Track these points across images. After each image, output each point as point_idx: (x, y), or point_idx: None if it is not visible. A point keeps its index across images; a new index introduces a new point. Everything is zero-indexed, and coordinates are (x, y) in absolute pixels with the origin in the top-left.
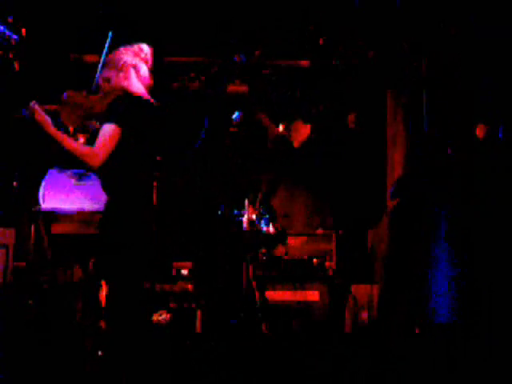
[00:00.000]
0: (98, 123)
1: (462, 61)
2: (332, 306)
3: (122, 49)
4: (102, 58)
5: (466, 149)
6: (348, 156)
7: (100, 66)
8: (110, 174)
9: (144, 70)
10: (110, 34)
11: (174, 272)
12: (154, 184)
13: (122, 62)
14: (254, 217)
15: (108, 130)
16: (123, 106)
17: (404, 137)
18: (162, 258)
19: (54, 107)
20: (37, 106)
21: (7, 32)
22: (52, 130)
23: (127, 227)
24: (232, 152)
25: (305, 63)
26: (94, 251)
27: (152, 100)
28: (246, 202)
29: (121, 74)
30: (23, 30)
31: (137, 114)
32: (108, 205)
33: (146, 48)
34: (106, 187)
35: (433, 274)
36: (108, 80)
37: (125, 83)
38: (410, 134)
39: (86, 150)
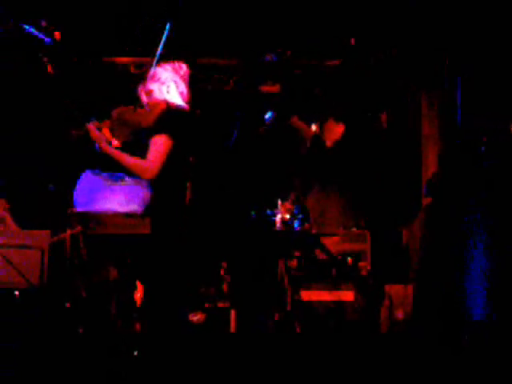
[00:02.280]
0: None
1: (498, 57)
2: (366, 306)
3: (163, 64)
4: (159, 50)
5: (501, 146)
6: (382, 155)
7: (155, 61)
8: (158, 180)
9: (183, 87)
10: (168, 26)
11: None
12: (188, 185)
13: (163, 77)
14: (287, 217)
15: (160, 143)
16: (171, 118)
17: (438, 135)
18: (197, 260)
19: (106, 124)
20: (92, 126)
21: (40, 35)
22: (107, 147)
23: (171, 229)
24: (265, 152)
25: (336, 62)
26: (129, 252)
27: (192, 110)
28: (279, 202)
29: (163, 88)
30: (56, 34)
31: (183, 124)
32: (153, 207)
33: (185, 67)
34: (154, 191)
35: (468, 272)
36: (149, 93)
37: (167, 96)
38: (444, 132)
39: (141, 163)
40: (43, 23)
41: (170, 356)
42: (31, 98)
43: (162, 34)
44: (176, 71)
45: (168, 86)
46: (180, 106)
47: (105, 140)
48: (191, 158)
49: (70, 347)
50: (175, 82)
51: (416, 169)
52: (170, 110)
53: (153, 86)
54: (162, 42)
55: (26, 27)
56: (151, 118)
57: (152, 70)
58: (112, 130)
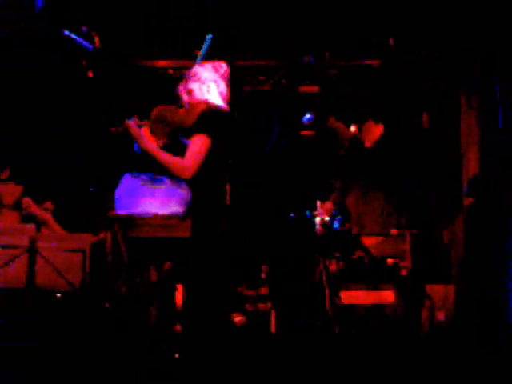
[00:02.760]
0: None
1: None
2: (407, 307)
3: (203, 63)
4: (200, 59)
5: None
6: (422, 155)
7: (197, 64)
8: (197, 180)
9: (223, 86)
10: (209, 36)
11: (259, 275)
12: (228, 187)
13: (204, 76)
14: (326, 218)
15: (199, 142)
16: (211, 118)
17: (478, 135)
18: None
19: (146, 123)
20: (131, 122)
21: (81, 42)
22: (146, 144)
23: (211, 231)
24: (304, 153)
25: (375, 62)
26: (169, 254)
27: (231, 111)
28: (319, 203)
29: (203, 87)
30: (96, 39)
31: (222, 124)
32: (193, 209)
33: (225, 66)
34: (193, 193)
35: (509, 272)
36: (190, 93)
37: (207, 96)
38: (484, 132)
39: (179, 162)
40: (84, 29)
41: (211, 357)
42: (73, 102)
43: (204, 44)
44: (216, 70)
45: (208, 85)
46: (220, 106)
47: (144, 137)
48: (230, 160)
49: (110, 348)
50: (215, 81)
51: (456, 169)
52: (210, 110)
53: (193, 86)
54: (203, 53)
55: (68, 33)
56: (191, 118)
57: (192, 70)
58: (152, 130)
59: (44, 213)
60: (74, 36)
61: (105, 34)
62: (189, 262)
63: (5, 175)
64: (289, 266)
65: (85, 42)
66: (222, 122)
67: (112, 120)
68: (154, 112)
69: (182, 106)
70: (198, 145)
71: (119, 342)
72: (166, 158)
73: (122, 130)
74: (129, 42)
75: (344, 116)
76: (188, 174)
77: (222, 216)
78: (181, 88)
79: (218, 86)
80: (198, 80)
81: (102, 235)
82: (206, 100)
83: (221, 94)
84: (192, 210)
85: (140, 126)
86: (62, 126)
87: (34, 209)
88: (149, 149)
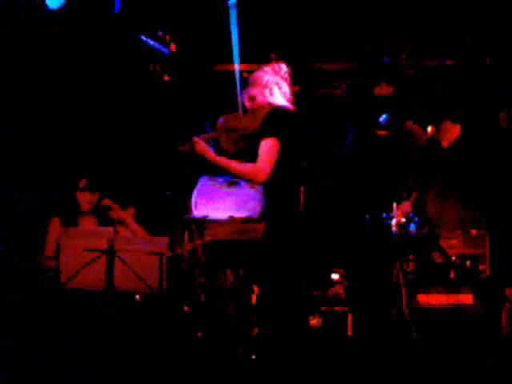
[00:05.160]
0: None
1: None
2: (487, 310)
3: (262, 67)
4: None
5: None
6: (500, 154)
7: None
8: (270, 183)
9: (285, 87)
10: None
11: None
12: (301, 190)
13: (264, 80)
14: (403, 220)
15: (269, 145)
16: (276, 120)
17: None
18: (314, 263)
19: (212, 135)
20: (197, 139)
21: (158, 46)
22: (214, 157)
23: (286, 233)
24: (380, 154)
25: (450, 62)
26: (245, 256)
27: (297, 111)
28: (395, 205)
29: (265, 91)
30: (172, 45)
31: (289, 125)
32: (266, 212)
33: (284, 67)
34: (266, 195)
35: None
36: (253, 98)
37: (270, 99)
38: None
39: (251, 168)
40: (160, 34)
41: (288, 359)
42: (149, 108)
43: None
44: (276, 72)
45: (270, 88)
46: (284, 106)
47: (211, 151)
48: (305, 163)
49: (189, 351)
50: (277, 83)
51: None
52: (275, 111)
53: (255, 91)
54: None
55: (144, 39)
56: (256, 123)
57: (253, 76)
58: (219, 140)
59: (123, 213)
60: (149, 41)
61: (180, 39)
62: (264, 265)
63: (82, 184)
64: (365, 269)
65: (161, 47)
66: (288, 122)
67: (186, 127)
68: (220, 121)
69: (247, 112)
70: (267, 148)
71: (197, 344)
72: (236, 167)
73: (189, 148)
74: (204, 46)
75: (420, 117)
76: (262, 178)
77: (295, 218)
78: (244, 95)
79: (280, 87)
80: (260, 85)
81: (179, 239)
82: (270, 103)
83: (284, 94)
84: (267, 212)
85: (208, 142)
86: (137, 130)
87: (114, 209)
88: (218, 162)
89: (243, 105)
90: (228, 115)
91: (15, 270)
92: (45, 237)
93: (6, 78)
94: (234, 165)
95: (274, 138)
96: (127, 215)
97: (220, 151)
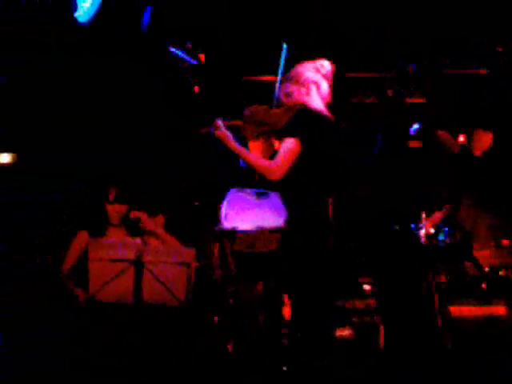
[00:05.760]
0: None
1: None
2: None
3: (304, 64)
4: (280, 70)
5: None
6: None
7: (279, 79)
8: (290, 188)
9: (324, 86)
10: (285, 46)
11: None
12: (331, 199)
13: (303, 78)
14: (431, 230)
15: (288, 145)
16: (304, 120)
17: None
18: (344, 274)
19: (237, 123)
20: (219, 123)
21: (187, 58)
22: (233, 144)
23: (308, 242)
24: (411, 163)
25: (482, 72)
26: (275, 267)
27: (331, 116)
28: (423, 215)
29: (302, 90)
30: (201, 56)
31: (316, 129)
32: (289, 221)
33: (327, 65)
34: (286, 202)
35: None
36: (289, 94)
37: (306, 98)
38: None
39: (267, 164)
40: (189, 46)
41: (318, 370)
42: (179, 118)
43: (281, 54)
44: (317, 70)
45: (308, 87)
46: (318, 110)
47: (231, 137)
48: (338, 171)
49: (219, 363)
50: (315, 82)
51: None
52: (303, 112)
53: (292, 88)
54: (281, 64)
55: (174, 50)
56: (284, 120)
57: (277, 94)
58: (243, 130)
59: (153, 224)
60: (179, 52)
61: (209, 51)
62: (293, 275)
63: (111, 196)
64: (396, 280)
65: (190, 59)
66: (315, 125)
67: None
68: (247, 111)
69: (277, 107)
70: (287, 147)
71: (227, 356)
72: (253, 159)
73: (212, 130)
74: (233, 57)
75: (452, 126)
76: (275, 177)
77: (324, 228)
78: (280, 89)
79: (318, 87)
80: (298, 82)
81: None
82: (305, 102)
83: (321, 95)
84: (296, 222)
85: (227, 129)
86: (168, 141)
87: (145, 220)
88: (236, 149)
89: (278, 99)
90: (257, 107)
91: (18, 269)
92: (66, 250)
93: (10, 79)
94: (252, 157)
95: (295, 140)
96: (156, 225)
97: (240, 140)
